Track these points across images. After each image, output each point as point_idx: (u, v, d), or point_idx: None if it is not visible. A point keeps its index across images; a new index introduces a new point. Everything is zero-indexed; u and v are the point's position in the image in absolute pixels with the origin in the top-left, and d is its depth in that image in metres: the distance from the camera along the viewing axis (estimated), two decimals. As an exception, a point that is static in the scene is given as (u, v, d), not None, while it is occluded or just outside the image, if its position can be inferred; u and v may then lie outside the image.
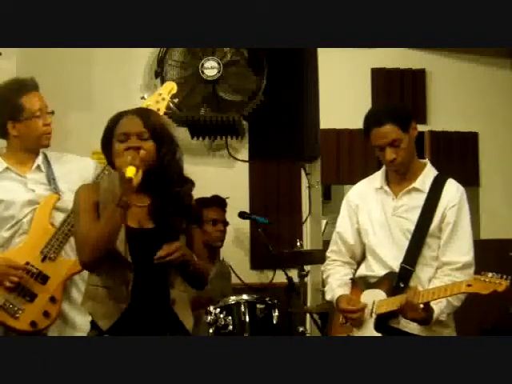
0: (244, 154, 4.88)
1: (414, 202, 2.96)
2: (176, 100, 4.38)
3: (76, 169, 3.16)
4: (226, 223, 4.45)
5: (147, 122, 2.51)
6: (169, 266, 2.48)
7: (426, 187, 2.97)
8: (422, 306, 2.75)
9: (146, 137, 2.49)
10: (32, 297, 2.95)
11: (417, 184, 2.98)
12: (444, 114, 5.55)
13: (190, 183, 2.60)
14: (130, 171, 2.40)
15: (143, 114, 2.56)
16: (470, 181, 5.45)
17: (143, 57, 4.81)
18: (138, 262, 2.48)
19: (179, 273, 2.55)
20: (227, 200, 4.49)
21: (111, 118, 2.56)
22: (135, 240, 2.49)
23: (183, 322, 2.54)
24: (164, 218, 2.51)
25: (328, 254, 3.18)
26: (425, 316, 2.77)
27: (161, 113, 2.94)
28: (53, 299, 2.97)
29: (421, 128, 5.28)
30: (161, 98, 3.01)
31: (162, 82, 4.57)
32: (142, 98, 3.03)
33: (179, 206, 2.52)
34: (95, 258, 2.46)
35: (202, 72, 4.52)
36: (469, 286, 2.66)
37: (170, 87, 3.08)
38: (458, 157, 5.57)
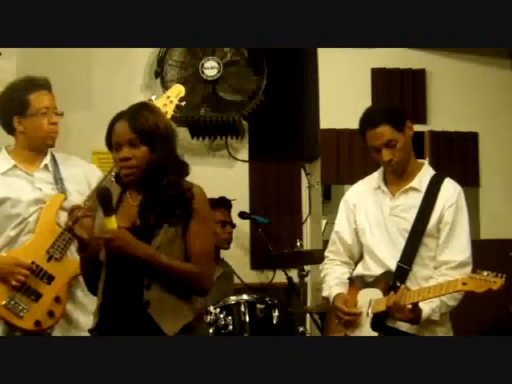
0: (244, 154, 4.88)
1: (411, 201, 2.96)
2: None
3: (82, 172, 3.17)
4: (233, 225, 4.45)
5: (135, 126, 2.44)
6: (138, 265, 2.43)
7: (423, 187, 2.97)
8: (409, 306, 2.76)
9: (136, 142, 2.44)
10: (37, 296, 2.96)
11: (414, 184, 2.98)
12: (444, 113, 5.55)
13: (179, 173, 2.52)
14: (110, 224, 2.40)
15: (131, 117, 2.48)
16: (470, 181, 5.45)
17: (143, 57, 4.81)
18: (111, 260, 2.45)
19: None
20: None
21: (109, 123, 2.53)
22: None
23: (161, 326, 2.41)
24: (146, 214, 2.46)
25: (326, 253, 3.18)
26: (412, 317, 2.78)
27: (168, 116, 2.90)
28: (57, 299, 2.98)
29: (421, 128, 5.37)
30: (169, 100, 2.99)
31: (162, 81, 4.57)
32: (150, 100, 3.00)
33: (164, 196, 2.46)
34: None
35: (202, 72, 4.52)
36: (464, 284, 2.67)
37: (179, 90, 3.05)
38: (458, 157, 5.57)
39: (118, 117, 2.51)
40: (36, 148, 3.11)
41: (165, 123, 2.54)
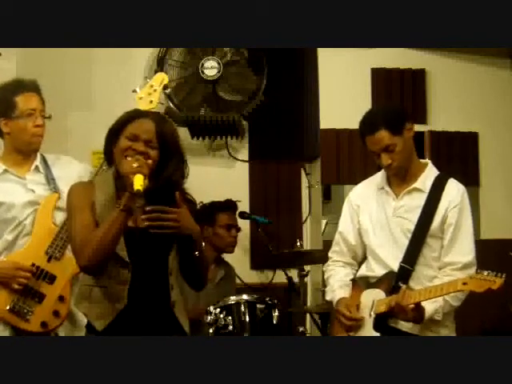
0: (244, 154, 4.87)
1: (415, 202, 2.96)
2: (176, 100, 4.39)
3: (75, 170, 3.16)
4: (238, 229, 4.44)
5: (160, 131, 2.48)
6: (167, 251, 2.46)
7: (427, 187, 2.97)
8: (412, 306, 2.76)
9: (154, 145, 2.46)
10: (41, 297, 2.96)
11: (417, 184, 2.98)
12: (444, 113, 5.55)
13: (193, 204, 2.58)
14: (138, 182, 2.35)
15: (158, 121, 2.51)
16: (470, 181, 5.44)
17: (143, 57, 4.81)
18: (136, 261, 2.45)
19: (179, 275, 2.53)
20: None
21: (128, 112, 2.53)
22: (132, 239, 2.46)
23: (182, 325, 2.52)
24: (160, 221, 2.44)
25: (330, 254, 3.18)
26: (415, 316, 2.79)
27: (154, 104, 2.92)
28: (61, 298, 2.98)
29: (421, 128, 5.37)
30: (152, 89, 3.00)
31: (162, 81, 4.57)
32: (134, 91, 3.00)
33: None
34: (97, 262, 2.40)
35: (202, 72, 4.51)
36: (464, 284, 2.68)
37: (161, 78, 3.06)
38: (458, 157, 5.57)
39: (139, 114, 2.53)
40: (22, 151, 3.10)
41: (180, 143, 2.57)
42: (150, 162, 2.43)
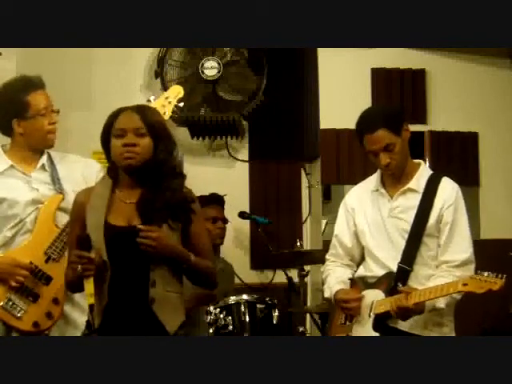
0: (244, 154, 4.88)
1: (410, 202, 2.96)
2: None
3: (80, 170, 3.15)
4: (225, 220, 4.45)
5: (145, 118, 2.51)
6: (151, 260, 2.46)
7: (421, 187, 2.97)
8: (413, 307, 2.77)
9: (142, 132, 2.48)
10: (35, 297, 2.94)
11: (411, 185, 2.98)
12: (444, 113, 5.55)
13: (181, 177, 2.57)
14: (88, 288, 2.43)
15: (141, 110, 2.56)
16: (470, 181, 5.45)
17: (143, 57, 4.82)
18: (115, 259, 2.46)
19: (168, 272, 2.51)
20: (226, 198, 4.50)
21: (110, 114, 2.56)
22: (113, 238, 2.48)
23: (163, 323, 2.47)
24: (149, 213, 2.47)
25: (327, 256, 3.19)
26: (416, 311, 2.79)
27: (166, 117, 2.91)
28: (55, 300, 2.96)
29: (421, 128, 5.38)
30: (167, 101, 2.99)
31: (162, 81, 4.58)
32: (148, 100, 3.00)
33: (168, 199, 2.49)
34: (69, 290, 2.72)
35: (202, 72, 4.52)
36: (464, 285, 2.68)
37: (177, 91, 3.06)
38: (457, 157, 5.56)
39: (122, 109, 2.55)
40: (35, 148, 3.10)
41: (167, 125, 2.60)
42: (137, 149, 2.46)
